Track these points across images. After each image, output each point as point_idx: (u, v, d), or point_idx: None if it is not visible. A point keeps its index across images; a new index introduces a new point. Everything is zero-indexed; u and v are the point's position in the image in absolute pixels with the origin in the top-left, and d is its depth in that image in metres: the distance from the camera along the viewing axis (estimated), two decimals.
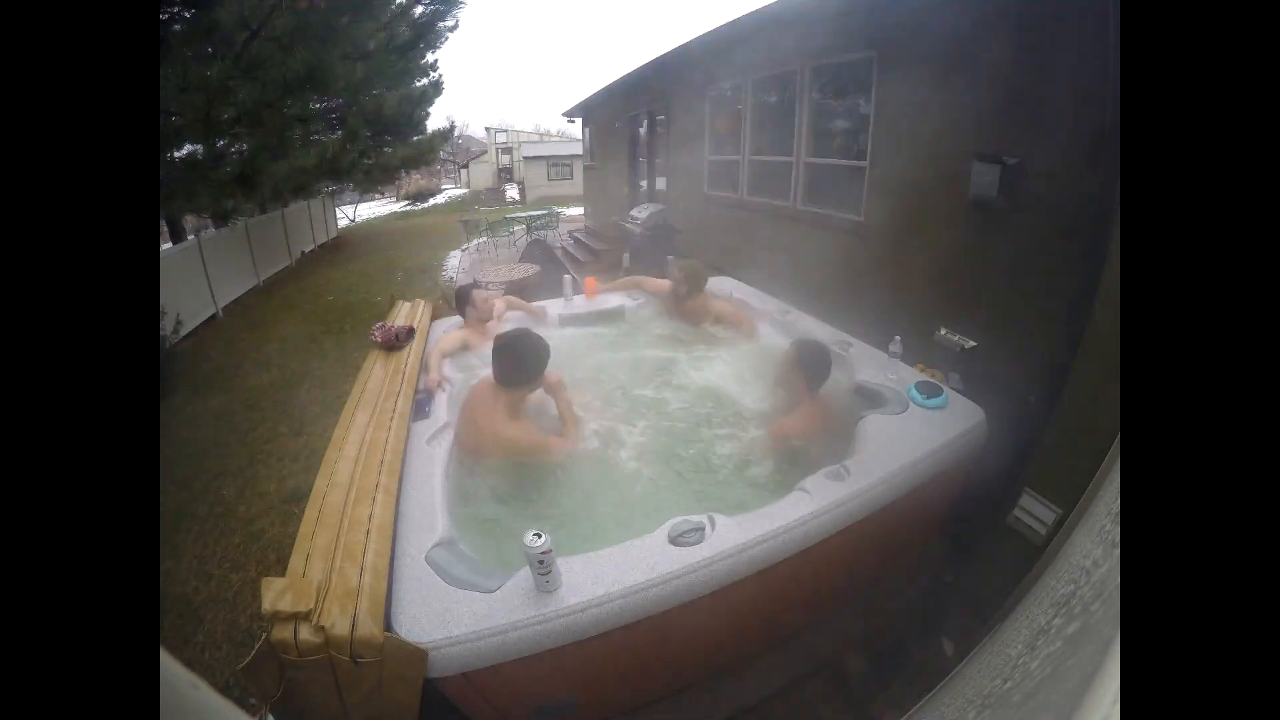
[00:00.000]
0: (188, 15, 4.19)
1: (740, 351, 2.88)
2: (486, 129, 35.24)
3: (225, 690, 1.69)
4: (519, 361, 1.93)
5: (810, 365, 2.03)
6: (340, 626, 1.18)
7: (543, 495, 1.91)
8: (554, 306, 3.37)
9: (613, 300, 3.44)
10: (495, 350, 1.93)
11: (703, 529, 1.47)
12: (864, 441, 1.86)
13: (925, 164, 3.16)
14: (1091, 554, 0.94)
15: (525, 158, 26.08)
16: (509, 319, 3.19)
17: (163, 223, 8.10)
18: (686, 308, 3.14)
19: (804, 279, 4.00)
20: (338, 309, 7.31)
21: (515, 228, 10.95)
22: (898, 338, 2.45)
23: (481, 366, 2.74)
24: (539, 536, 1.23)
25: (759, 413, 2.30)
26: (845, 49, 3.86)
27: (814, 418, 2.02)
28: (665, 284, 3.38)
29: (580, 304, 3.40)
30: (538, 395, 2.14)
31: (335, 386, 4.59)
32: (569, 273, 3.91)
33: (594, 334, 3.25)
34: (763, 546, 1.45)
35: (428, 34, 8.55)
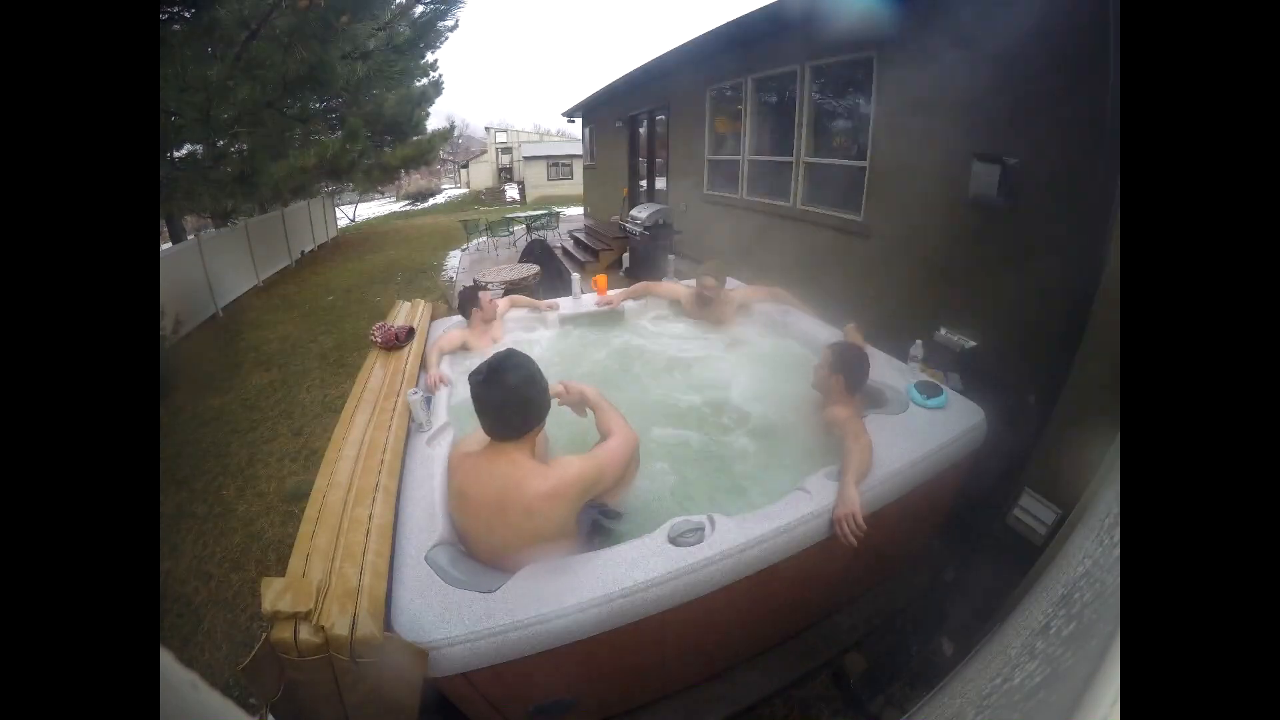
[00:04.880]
0: (188, 15, 4.18)
1: (761, 351, 2.89)
2: (486, 129, 35.24)
3: (225, 690, 1.69)
4: (524, 398, 1.39)
5: (850, 369, 1.97)
6: (340, 626, 1.18)
7: None
8: (565, 305, 3.38)
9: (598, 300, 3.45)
10: (486, 394, 1.36)
11: (703, 529, 1.47)
12: None
13: (925, 164, 3.16)
14: (1091, 554, 0.94)
15: (525, 158, 26.08)
16: (511, 318, 3.19)
17: (163, 223, 8.10)
18: (712, 309, 3.11)
19: (804, 279, 3.99)
20: (338, 309, 7.31)
21: (515, 228, 10.94)
22: (919, 342, 2.44)
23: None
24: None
25: (782, 412, 2.29)
26: (845, 49, 3.86)
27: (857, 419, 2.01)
28: (676, 288, 3.36)
29: (590, 302, 3.40)
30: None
31: (335, 386, 4.59)
32: (578, 272, 3.91)
33: (602, 336, 3.25)
34: (763, 546, 1.45)
35: (428, 34, 8.53)
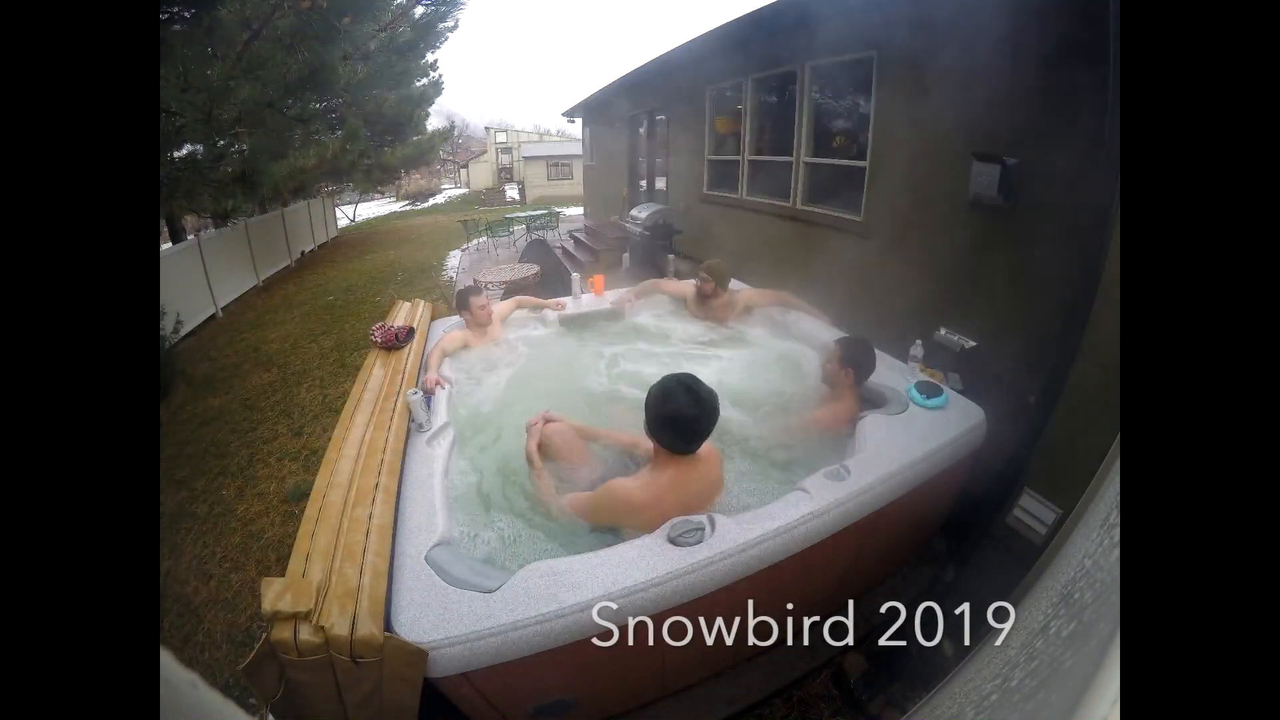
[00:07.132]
0: (188, 15, 4.19)
1: (766, 348, 2.91)
2: (486, 129, 35.21)
3: (225, 690, 1.69)
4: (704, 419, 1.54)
5: (858, 363, 2.13)
6: (340, 627, 1.18)
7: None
8: (567, 305, 3.38)
9: (614, 299, 3.44)
10: (703, 416, 1.51)
11: (702, 529, 1.47)
12: (864, 441, 1.86)
13: (925, 164, 3.16)
14: (1091, 554, 0.94)
15: (525, 158, 26.08)
16: (514, 320, 3.19)
17: (163, 223, 8.11)
18: (713, 307, 3.14)
19: (803, 279, 3.99)
20: (338, 309, 7.30)
21: (515, 228, 10.94)
22: (919, 342, 2.46)
23: (483, 368, 2.75)
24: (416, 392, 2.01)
25: (786, 406, 2.32)
26: (845, 49, 3.86)
27: (851, 414, 2.10)
28: (683, 286, 3.37)
29: (589, 302, 3.39)
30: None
31: (335, 386, 4.59)
32: (578, 272, 3.92)
33: (601, 336, 3.25)
34: (763, 546, 1.45)
35: (428, 34, 8.56)
